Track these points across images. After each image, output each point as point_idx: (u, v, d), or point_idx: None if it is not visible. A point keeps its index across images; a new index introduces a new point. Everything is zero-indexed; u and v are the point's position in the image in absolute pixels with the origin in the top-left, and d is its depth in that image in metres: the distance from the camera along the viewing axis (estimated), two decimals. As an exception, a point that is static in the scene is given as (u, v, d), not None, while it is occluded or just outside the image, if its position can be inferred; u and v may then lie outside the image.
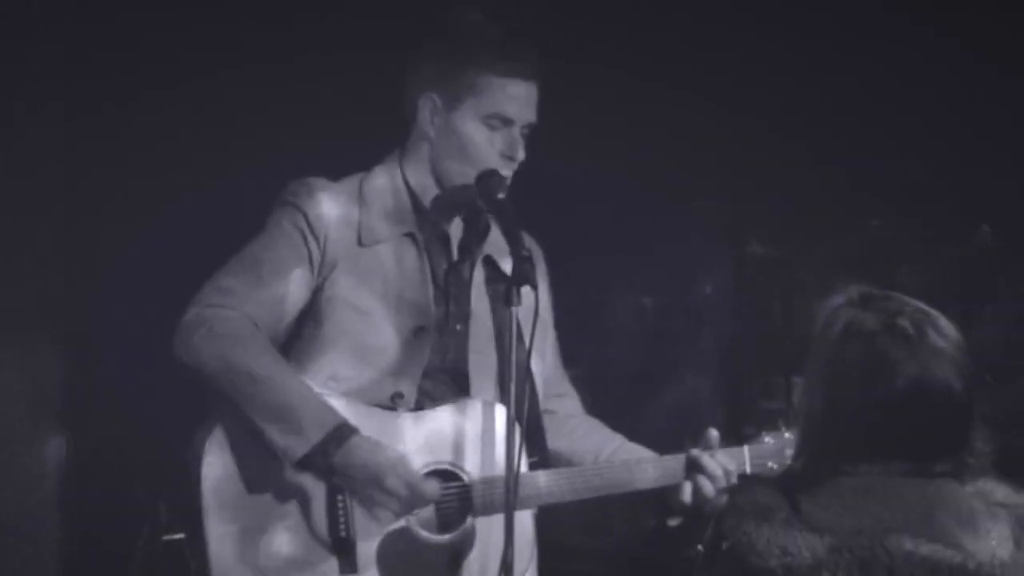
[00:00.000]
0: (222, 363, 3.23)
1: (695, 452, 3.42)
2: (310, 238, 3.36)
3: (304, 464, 3.21)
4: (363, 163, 3.56)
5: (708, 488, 3.39)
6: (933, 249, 4.80)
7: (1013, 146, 4.70)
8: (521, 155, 3.41)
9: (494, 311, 3.50)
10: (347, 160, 3.58)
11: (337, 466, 3.21)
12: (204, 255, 4.57)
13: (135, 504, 4.84)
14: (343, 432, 3.21)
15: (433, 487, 3.25)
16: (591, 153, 4.70)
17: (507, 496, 3.07)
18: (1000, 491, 2.62)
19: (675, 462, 3.45)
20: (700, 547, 3.23)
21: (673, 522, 3.49)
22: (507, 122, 3.39)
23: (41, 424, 4.70)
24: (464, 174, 3.40)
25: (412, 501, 3.24)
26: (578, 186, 4.69)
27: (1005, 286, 4.85)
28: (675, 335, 5.01)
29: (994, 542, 2.50)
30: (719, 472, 3.40)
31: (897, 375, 2.52)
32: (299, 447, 3.19)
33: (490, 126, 3.39)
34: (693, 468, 3.42)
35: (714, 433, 3.46)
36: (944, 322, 2.59)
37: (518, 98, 3.39)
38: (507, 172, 3.39)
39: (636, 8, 4.76)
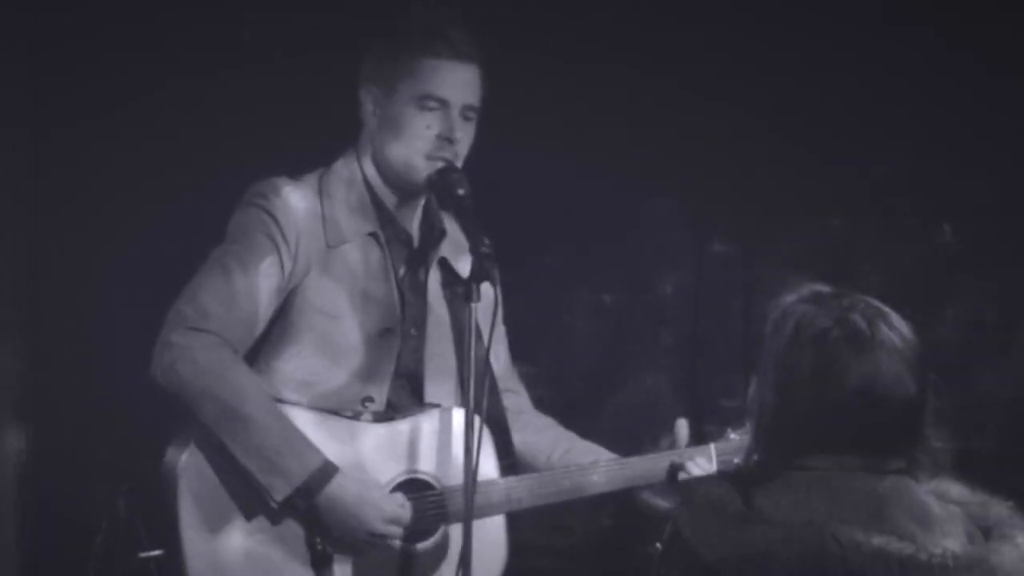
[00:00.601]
0: (207, 398, 3.21)
1: (677, 459, 3.44)
2: (282, 245, 3.32)
3: (286, 504, 3.20)
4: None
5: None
6: (893, 249, 4.79)
7: (975, 146, 4.70)
8: (460, 136, 3.38)
9: (452, 313, 3.47)
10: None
11: (320, 506, 3.20)
12: (169, 248, 4.56)
13: (93, 498, 4.81)
14: (326, 472, 3.20)
15: (406, 519, 3.26)
16: (550, 149, 4.67)
17: (466, 492, 3.08)
18: (955, 490, 2.61)
19: (653, 462, 3.46)
20: (658, 544, 3.21)
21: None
22: (443, 103, 3.36)
23: (-1, 417, 4.67)
24: (404, 158, 3.38)
25: (393, 533, 3.25)
26: (537, 182, 4.66)
27: (965, 287, 4.84)
28: (635, 333, 4.99)
29: (947, 538, 2.48)
30: (702, 472, 3.42)
31: (849, 371, 2.51)
32: (283, 487, 3.18)
33: (426, 107, 3.37)
34: (679, 470, 3.43)
35: (683, 423, 3.49)
36: (896, 318, 2.58)
37: (452, 79, 3.37)
38: (446, 154, 3.36)
39: (604, 7, 4.73)
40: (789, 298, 2.64)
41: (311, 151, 3.64)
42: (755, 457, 2.61)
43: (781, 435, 2.55)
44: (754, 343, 2.72)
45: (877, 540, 2.43)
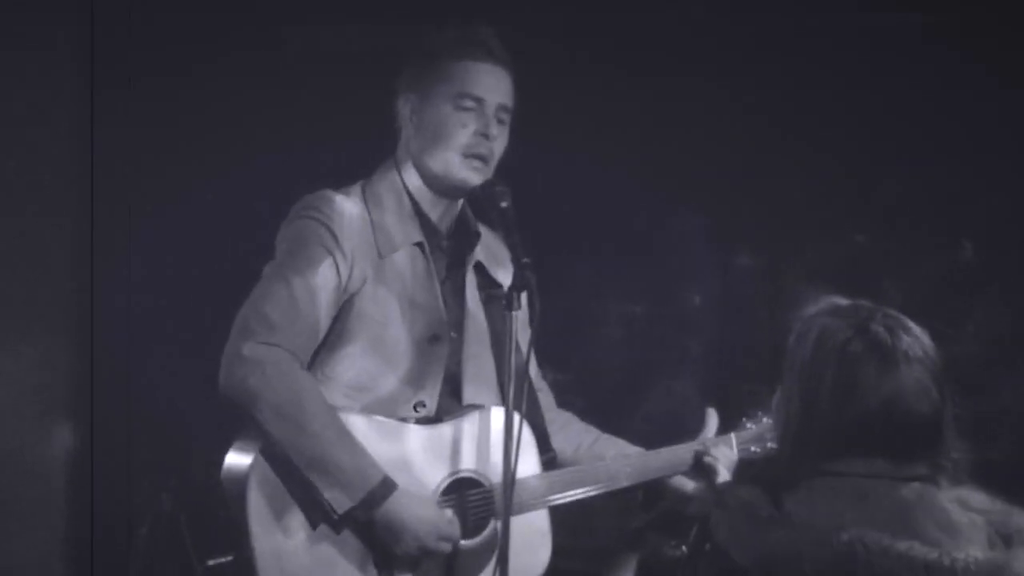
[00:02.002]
0: (275, 412, 3.21)
1: (701, 447, 3.52)
2: (338, 255, 3.34)
3: (346, 517, 3.23)
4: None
5: (717, 468, 3.48)
6: (915, 264, 4.80)
7: (996, 164, 4.69)
8: (495, 132, 3.41)
9: (488, 317, 3.49)
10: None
11: (378, 520, 3.24)
12: (208, 250, 4.59)
13: (139, 494, 4.85)
14: (385, 488, 3.23)
15: (456, 536, 3.31)
16: (584, 164, 4.69)
17: (505, 491, 3.12)
18: (976, 498, 2.63)
19: (681, 451, 3.52)
20: (684, 548, 3.24)
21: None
22: (478, 101, 3.39)
23: (49, 415, 4.69)
24: (442, 156, 3.41)
25: (444, 550, 3.30)
26: (570, 195, 4.68)
27: (984, 302, 4.84)
28: (663, 342, 5.01)
29: (969, 544, 2.50)
30: (725, 459, 3.49)
31: (871, 380, 2.54)
32: (345, 502, 3.21)
33: (462, 107, 3.40)
34: (704, 455, 3.50)
35: (713, 412, 3.57)
36: (916, 328, 2.61)
37: (487, 79, 3.41)
38: (482, 150, 3.39)
39: (631, 19, 4.75)
40: (811, 310, 2.68)
41: (350, 162, 3.66)
42: (782, 461, 2.63)
43: (807, 442, 2.58)
44: (779, 353, 2.75)
45: (902, 545, 2.45)
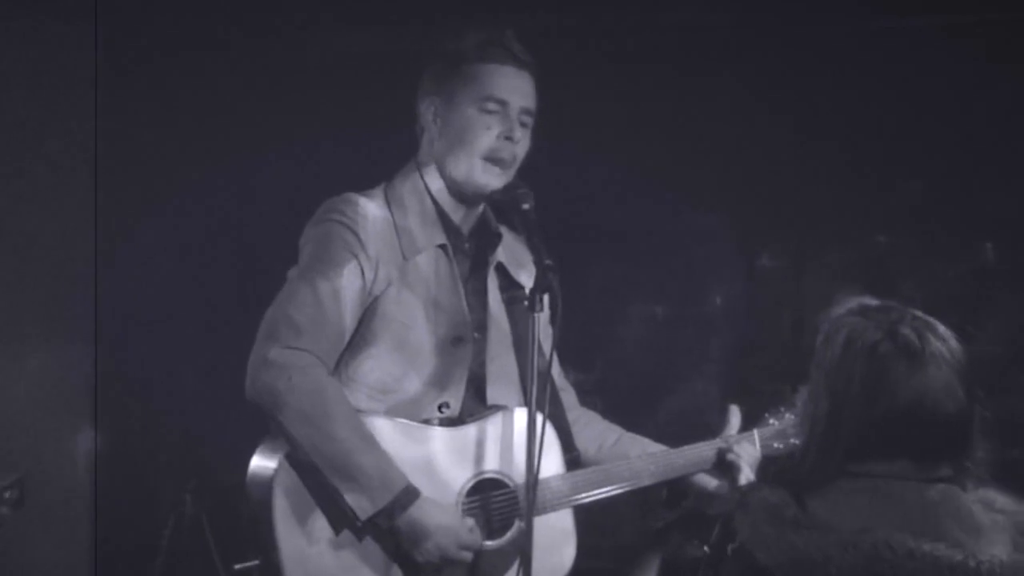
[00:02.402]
0: (301, 418, 3.19)
1: (724, 444, 3.49)
2: (363, 258, 3.32)
3: (369, 523, 3.22)
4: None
5: (740, 465, 3.46)
6: (937, 266, 4.78)
7: (1017, 166, 4.67)
8: (519, 136, 3.39)
9: (509, 317, 3.48)
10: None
11: (400, 527, 3.22)
12: (233, 252, 4.60)
13: (162, 495, 4.86)
14: (408, 496, 3.21)
15: (476, 544, 3.29)
16: (607, 167, 4.69)
17: (528, 492, 3.09)
18: (1000, 500, 2.61)
19: (704, 449, 3.50)
20: (706, 548, 3.22)
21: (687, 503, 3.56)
22: (502, 104, 3.37)
23: (73, 417, 4.71)
24: (465, 159, 3.39)
25: (464, 559, 3.28)
26: (592, 197, 4.68)
27: (1005, 303, 4.82)
28: (686, 343, 5.00)
29: (994, 545, 2.48)
30: (748, 456, 3.46)
31: (900, 382, 2.52)
32: (367, 508, 3.19)
33: (486, 110, 3.37)
34: (727, 452, 3.48)
35: (735, 409, 3.54)
36: (944, 330, 2.60)
37: (511, 83, 3.39)
38: (505, 154, 3.37)
39: (654, 22, 4.75)
40: (839, 311, 2.66)
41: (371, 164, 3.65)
42: (808, 461, 2.62)
43: (834, 442, 2.56)
44: (801, 354, 2.73)
45: (927, 546, 2.44)
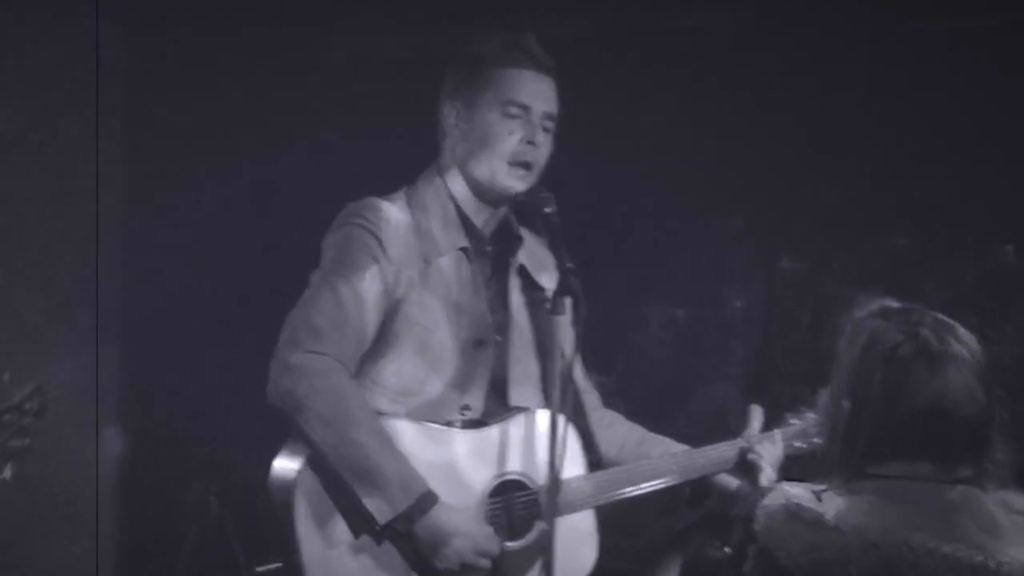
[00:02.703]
0: (321, 421, 3.21)
1: (746, 444, 3.49)
2: (384, 262, 3.34)
3: (387, 527, 3.22)
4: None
5: (761, 465, 3.45)
6: (957, 268, 4.77)
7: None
8: (541, 140, 3.40)
9: (532, 320, 3.49)
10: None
11: (418, 532, 3.23)
12: (259, 256, 4.61)
13: (187, 496, 4.88)
14: (427, 501, 3.22)
15: (495, 550, 3.29)
16: (629, 171, 4.70)
17: (549, 493, 3.09)
18: (1020, 502, 2.60)
19: (725, 449, 3.50)
20: (727, 549, 3.22)
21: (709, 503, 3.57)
22: (524, 108, 3.38)
23: (95, 418, 4.72)
24: (488, 163, 3.40)
25: (483, 565, 3.28)
26: (615, 203, 4.69)
27: (1026, 305, 4.81)
28: (706, 345, 5.00)
29: (1013, 547, 2.48)
30: (770, 456, 3.46)
31: (921, 384, 2.53)
32: (386, 512, 3.20)
33: (508, 114, 3.39)
34: (749, 452, 3.47)
35: (757, 409, 3.53)
36: (964, 332, 2.60)
37: (532, 87, 3.40)
38: (528, 157, 3.38)
39: (672, 26, 4.75)
40: (860, 313, 2.66)
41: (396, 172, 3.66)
42: (829, 463, 2.62)
43: (854, 444, 2.57)
44: (820, 356, 2.73)
45: (947, 548, 2.44)
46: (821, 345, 4.68)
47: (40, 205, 4.55)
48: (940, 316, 2.62)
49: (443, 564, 3.25)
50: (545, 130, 3.42)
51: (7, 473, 3.14)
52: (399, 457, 3.24)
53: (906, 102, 4.66)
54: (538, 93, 3.40)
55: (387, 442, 3.24)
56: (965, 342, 2.58)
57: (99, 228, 4.68)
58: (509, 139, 3.38)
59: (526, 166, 3.39)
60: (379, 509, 3.20)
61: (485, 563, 3.27)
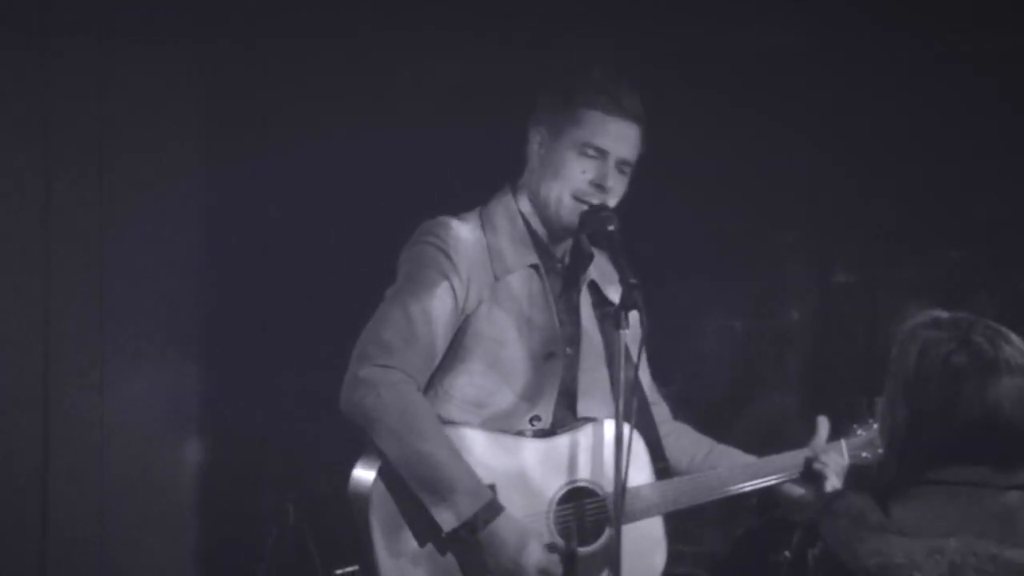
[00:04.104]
0: (390, 433, 3.24)
1: (811, 454, 3.46)
2: (455, 279, 3.35)
3: (453, 535, 3.24)
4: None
5: (827, 474, 3.43)
6: (1008, 279, 4.74)
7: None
8: (612, 184, 3.39)
9: (602, 333, 3.50)
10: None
11: (482, 540, 3.24)
12: (336, 267, 4.64)
13: (266, 505, 4.91)
14: (492, 509, 3.24)
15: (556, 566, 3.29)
16: (690, 190, 4.71)
17: (616, 501, 3.10)
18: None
19: (792, 458, 3.48)
20: (787, 553, 3.21)
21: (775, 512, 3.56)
22: (601, 153, 3.38)
23: (179, 429, 4.76)
24: (556, 194, 3.41)
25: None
26: (676, 220, 4.70)
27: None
28: (763, 356, 4.99)
29: None
30: (835, 465, 3.44)
31: (975, 390, 2.52)
32: (452, 520, 3.22)
33: (585, 154, 3.39)
34: (814, 461, 3.45)
35: (824, 420, 3.50)
36: (1015, 338, 2.59)
37: (614, 133, 3.39)
38: (596, 201, 3.38)
39: (728, 47, 4.75)
40: (912, 323, 2.66)
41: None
42: (890, 469, 2.62)
43: (913, 451, 2.57)
44: (876, 367, 2.73)
45: (1009, 552, 2.44)
46: (875, 356, 4.69)
47: (126, 225, 4.59)
48: (992, 323, 2.62)
49: (504, 573, 3.26)
50: (621, 172, 3.42)
51: None
52: (465, 467, 3.26)
53: (958, 119, 4.64)
54: (618, 138, 3.39)
55: (454, 453, 3.27)
56: (1018, 347, 2.57)
57: (176, 246, 4.73)
58: (580, 177, 3.39)
59: (590, 205, 3.40)
60: (444, 518, 3.22)
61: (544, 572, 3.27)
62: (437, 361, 3.36)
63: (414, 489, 3.23)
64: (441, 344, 3.35)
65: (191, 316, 4.77)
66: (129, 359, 4.56)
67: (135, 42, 4.52)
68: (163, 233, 4.66)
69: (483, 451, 3.30)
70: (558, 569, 3.28)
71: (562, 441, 3.40)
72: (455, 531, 3.22)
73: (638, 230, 3.46)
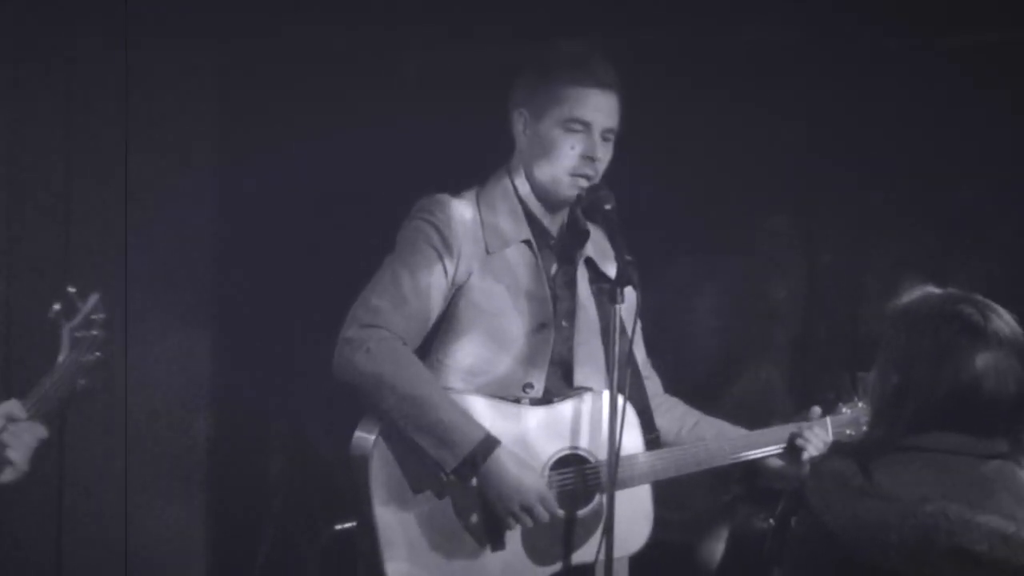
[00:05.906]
0: (382, 384, 3.25)
1: (796, 429, 3.49)
2: (444, 252, 3.37)
3: (455, 474, 3.25)
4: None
5: (808, 449, 3.45)
6: (985, 260, 4.74)
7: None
8: (600, 154, 3.41)
9: (598, 308, 3.51)
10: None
11: (483, 474, 3.26)
12: (336, 253, 4.64)
13: (270, 471, 4.93)
14: (488, 443, 3.25)
15: (553, 504, 3.30)
16: (681, 173, 4.71)
17: (609, 468, 3.14)
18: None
19: (777, 433, 3.50)
20: (771, 520, 3.22)
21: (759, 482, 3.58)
22: (586, 125, 3.39)
23: (191, 404, 4.77)
24: (550, 174, 3.43)
25: (540, 513, 3.29)
26: (669, 202, 4.70)
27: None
28: (751, 333, 5.00)
29: None
30: (818, 441, 3.45)
31: (964, 360, 2.53)
32: (451, 459, 3.23)
33: (570, 129, 3.40)
34: (797, 437, 3.47)
35: (817, 410, 3.53)
36: (1004, 312, 2.61)
37: (594, 104, 3.40)
38: (588, 171, 3.40)
39: (725, 40, 4.74)
40: (906, 297, 2.67)
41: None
42: (875, 434, 2.62)
43: (899, 417, 2.58)
44: (860, 344, 2.73)
45: (982, 517, 2.45)
46: (859, 334, 4.69)
47: (143, 204, 4.58)
48: (981, 298, 2.63)
49: (505, 507, 3.26)
50: (605, 140, 3.43)
51: (81, 383, 3.06)
52: (458, 408, 3.28)
53: (939, 114, 4.62)
54: (599, 109, 3.40)
55: (444, 395, 3.28)
56: (1007, 321, 2.59)
57: (197, 222, 4.73)
58: (571, 153, 3.40)
59: (586, 178, 3.41)
60: (444, 458, 3.23)
61: (543, 515, 3.28)
62: (427, 328, 3.38)
63: (412, 435, 3.24)
64: (429, 311, 3.37)
65: (206, 299, 4.78)
66: (146, 331, 4.56)
67: (157, 41, 4.52)
68: (181, 220, 4.66)
69: (482, 416, 3.32)
70: (551, 500, 3.29)
71: (557, 409, 3.41)
72: (456, 470, 3.24)
73: (632, 211, 3.47)
